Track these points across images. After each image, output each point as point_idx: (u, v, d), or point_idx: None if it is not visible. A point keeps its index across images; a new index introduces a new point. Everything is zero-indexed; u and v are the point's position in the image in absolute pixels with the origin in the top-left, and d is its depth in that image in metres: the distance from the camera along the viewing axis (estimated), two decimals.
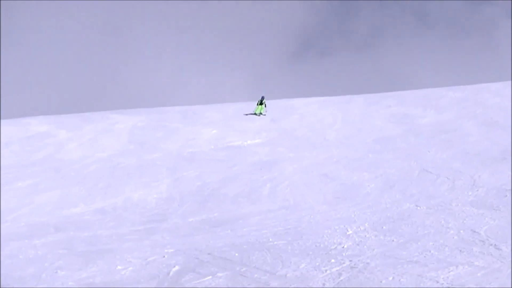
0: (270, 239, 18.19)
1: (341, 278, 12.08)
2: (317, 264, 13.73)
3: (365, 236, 16.74)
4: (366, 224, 18.53)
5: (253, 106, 64.16)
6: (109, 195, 32.34)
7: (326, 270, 12.91)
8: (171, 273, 14.72)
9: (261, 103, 55.64)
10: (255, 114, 54.43)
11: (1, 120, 64.14)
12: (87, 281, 15.40)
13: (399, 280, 11.28)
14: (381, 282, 11.34)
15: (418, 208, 20.35)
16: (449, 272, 11.44)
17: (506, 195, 21.28)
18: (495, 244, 13.98)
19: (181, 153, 44.40)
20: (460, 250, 13.27)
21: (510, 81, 61.91)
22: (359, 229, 17.87)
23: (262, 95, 56.69)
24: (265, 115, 54.60)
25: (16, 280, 16.62)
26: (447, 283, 10.64)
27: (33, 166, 43.80)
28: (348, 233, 17.51)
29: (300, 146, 42.99)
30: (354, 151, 38.35)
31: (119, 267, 16.60)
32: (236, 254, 16.41)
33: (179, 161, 40.96)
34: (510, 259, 12.46)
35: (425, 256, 13.15)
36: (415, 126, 46.27)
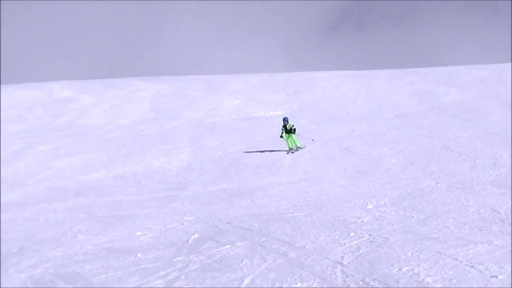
0: (290, 211, 18.21)
1: (360, 252, 12.08)
2: (336, 237, 13.72)
3: (385, 211, 16.71)
4: (386, 199, 18.49)
5: (277, 79, 63.75)
6: (130, 161, 32.49)
7: (345, 244, 12.91)
8: (190, 241, 14.77)
9: (288, 130, 33.19)
10: (289, 150, 32.48)
11: (25, 84, 64.40)
12: (106, 245, 15.48)
13: (418, 256, 11.26)
14: (399, 257, 11.33)
15: (439, 185, 20.27)
16: (468, 250, 11.41)
17: None
18: None
19: (203, 122, 44.47)
20: (480, 229, 13.22)
21: None
22: (379, 204, 17.84)
23: (285, 116, 36.20)
24: (302, 148, 32.82)
25: (36, 242, 16.74)
26: (466, 261, 10.62)
27: (56, 131, 44.05)
28: (368, 207, 17.48)
29: (322, 119, 42.94)
30: (375, 126, 38.23)
31: (138, 233, 16.69)
32: (256, 224, 16.45)
33: (201, 130, 41.04)
34: None
35: (444, 233, 13.12)
36: (438, 103, 46.02)
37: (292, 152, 31.97)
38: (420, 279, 9.79)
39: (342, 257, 11.80)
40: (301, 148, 32.55)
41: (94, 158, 34.04)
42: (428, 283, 9.56)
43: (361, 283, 9.94)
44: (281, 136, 33.14)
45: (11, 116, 50.74)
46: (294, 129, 33.04)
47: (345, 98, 51.96)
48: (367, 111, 45.57)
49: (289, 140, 32.89)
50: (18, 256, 15.18)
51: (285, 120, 33.29)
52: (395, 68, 69.73)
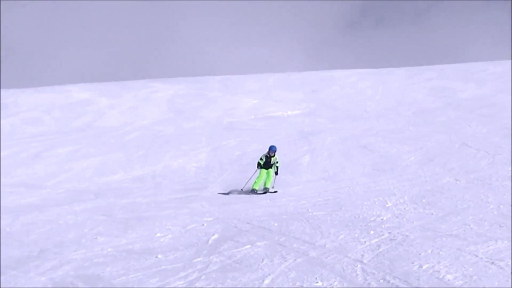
0: (309, 210, 18.22)
1: (380, 250, 12.07)
2: (356, 235, 13.72)
3: (404, 208, 16.70)
4: (405, 197, 18.48)
5: (294, 77, 63.79)
6: (149, 162, 32.57)
7: (365, 242, 12.90)
8: (210, 241, 14.80)
9: (269, 164, 25.39)
10: (252, 190, 24.28)
11: (44, 87, 64.74)
12: (126, 247, 15.53)
13: (438, 253, 11.24)
14: (420, 254, 11.31)
15: (458, 182, 20.24)
16: (488, 246, 11.38)
17: None
18: None
19: (220, 122, 44.54)
20: (500, 225, 13.18)
21: None
22: (398, 202, 17.82)
23: (272, 145, 26.17)
24: (271, 190, 24.25)
25: (56, 244, 16.80)
26: (486, 257, 10.60)
27: (74, 133, 44.23)
28: (387, 205, 17.47)
29: (339, 118, 42.89)
30: (393, 123, 38.15)
31: (158, 234, 16.73)
32: (275, 224, 16.46)
33: (219, 130, 41.10)
34: None
35: (464, 230, 13.09)
36: (455, 99, 45.87)
37: (255, 193, 23.77)
38: (441, 276, 9.78)
39: (362, 255, 11.81)
40: (270, 192, 23.74)
41: (113, 160, 34.13)
42: (448, 280, 9.55)
43: (381, 281, 9.94)
44: (259, 165, 25.05)
45: (30, 119, 50.95)
46: (277, 167, 25.18)
47: (362, 96, 51.88)
48: (385, 108, 45.49)
49: (261, 177, 24.60)
50: (38, 258, 15.25)
51: (273, 150, 25.31)
52: (412, 65, 69.61)
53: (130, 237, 16.95)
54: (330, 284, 10.00)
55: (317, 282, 10.19)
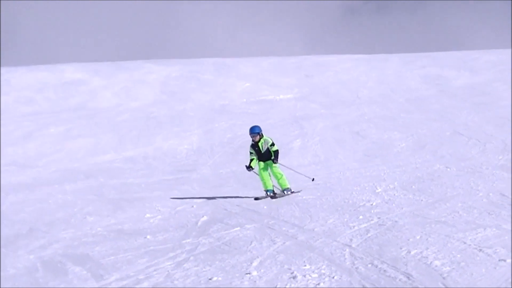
0: (299, 194, 18.25)
1: (369, 234, 12.08)
2: (345, 220, 13.72)
3: (394, 194, 16.71)
4: (395, 183, 18.50)
5: (288, 62, 63.67)
6: (140, 144, 32.59)
7: (354, 226, 12.91)
8: (199, 223, 14.81)
9: (263, 154, 19.14)
10: (267, 194, 18.69)
11: (37, 66, 64.53)
12: (116, 227, 15.56)
13: (427, 239, 11.26)
14: (408, 240, 11.33)
15: (448, 169, 20.26)
16: (477, 233, 11.40)
17: None
18: None
19: (213, 105, 44.52)
20: (489, 213, 13.19)
21: None
22: (388, 188, 17.84)
23: (254, 125, 19.63)
24: (296, 192, 18.73)
25: (46, 224, 16.84)
26: (474, 245, 10.61)
27: (66, 113, 44.18)
28: (377, 191, 17.49)
29: (332, 103, 42.89)
30: (386, 110, 38.18)
31: (148, 215, 16.76)
32: (265, 207, 16.49)
33: (211, 113, 41.09)
34: None
35: (453, 217, 13.10)
36: (449, 87, 45.91)
37: (275, 197, 18.36)
38: (429, 262, 9.80)
39: (351, 240, 11.82)
40: (293, 193, 18.54)
41: (105, 140, 34.14)
42: (436, 266, 9.57)
43: (369, 265, 9.96)
44: (249, 168, 19.01)
45: (22, 98, 50.84)
46: (275, 152, 18.91)
47: (356, 82, 51.86)
48: (378, 95, 45.49)
49: (266, 175, 18.91)
50: (28, 237, 15.28)
51: (254, 131, 18.98)
52: (407, 52, 69.56)
53: (120, 217, 16.99)
54: (318, 268, 10.00)
55: (305, 265, 10.20)
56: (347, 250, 11.09)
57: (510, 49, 59.06)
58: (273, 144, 19.03)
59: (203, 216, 15.83)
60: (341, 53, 70.11)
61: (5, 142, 35.44)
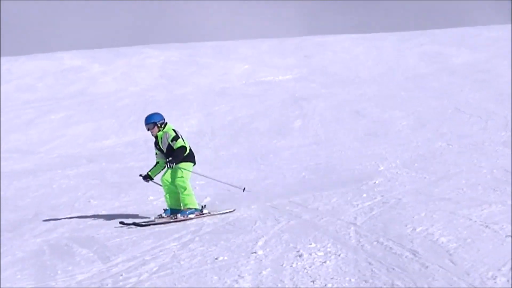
0: (303, 173, 18.28)
1: (373, 212, 12.08)
2: (349, 198, 13.73)
3: (397, 172, 16.71)
4: (397, 161, 18.48)
5: (287, 43, 63.58)
6: (141, 128, 32.34)
7: (357, 205, 12.91)
8: (202, 203, 14.85)
9: (166, 153, 14.14)
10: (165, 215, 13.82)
11: (36, 54, 64.57)
12: (120, 210, 15.65)
13: (431, 216, 11.26)
14: (413, 217, 11.33)
15: (450, 147, 20.25)
16: (482, 210, 11.40)
17: None
18: None
19: (212, 88, 44.45)
20: (493, 189, 13.20)
21: None
22: (390, 166, 17.84)
23: (154, 113, 14.86)
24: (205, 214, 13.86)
25: (50, 208, 16.92)
26: (480, 221, 10.61)
27: (67, 99, 44.19)
28: (379, 169, 17.48)
29: (332, 83, 42.80)
30: (386, 88, 38.11)
31: (151, 198, 16.82)
32: (268, 187, 16.54)
33: (211, 96, 41.04)
34: None
35: (457, 194, 13.10)
36: (449, 65, 45.74)
37: (173, 218, 13.63)
38: (435, 239, 9.82)
39: (355, 218, 11.85)
40: (201, 215, 13.71)
41: (106, 125, 34.14)
42: (442, 242, 9.58)
43: (375, 243, 9.98)
44: (146, 177, 14.47)
45: (23, 86, 50.81)
46: (177, 151, 13.97)
47: (355, 61, 51.70)
48: (378, 74, 45.35)
49: (169, 189, 14.16)
50: (33, 221, 15.37)
51: (150, 120, 14.38)
52: (405, 30, 69.33)
53: (123, 200, 17.08)
54: (324, 246, 10.02)
55: (311, 244, 10.22)
56: (352, 228, 11.12)
57: (510, 25, 58.77)
58: (175, 139, 14.04)
59: (206, 197, 15.89)
60: (340, 33, 69.91)
61: (8, 129, 35.49)
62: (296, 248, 10.08)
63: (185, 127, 31.53)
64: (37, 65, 57.72)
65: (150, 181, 14.54)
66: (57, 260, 11.28)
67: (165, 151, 14.11)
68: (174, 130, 14.22)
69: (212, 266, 9.58)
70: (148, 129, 14.33)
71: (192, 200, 13.92)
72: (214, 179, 16.07)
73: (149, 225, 13.33)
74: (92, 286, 9.37)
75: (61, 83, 51.60)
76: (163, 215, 13.83)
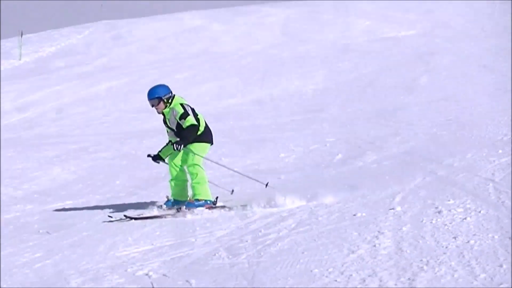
0: (434, 129, 18.06)
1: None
2: (484, 154, 13.46)
3: None
4: None
5: None
6: (266, 86, 32.73)
7: (494, 161, 12.65)
8: (335, 161, 14.89)
9: (176, 130, 12.00)
10: (169, 204, 12.01)
11: (154, 16, 65.66)
12: (252, 167, 15.77)
13: None
14: None
15: None
16: None
17: None
18: None
19: (335, 44, 44.22)
20: None
21: None
22: None
23: (160, 85, 12.64)
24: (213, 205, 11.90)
25: None
26: None
27: (190, 59, 44.78)
28: None
29: (457, 37, 41.91)
30: None
31: (282, 155, 16.94)
32: (399, 144, 16.43)
33: (334, 53, 40.83)
34: None
35: None
36: None
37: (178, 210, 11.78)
38: None
39: (493, 174, 11.64)
40: (212, 208, 11.78)
41: (230, 84, 34.44)
42: None
43: None
44: (156, 157, 12.73)
45: (145, 47, 51.78)
46: (186, 130, 11.81)
47: (480, 14, 50.41)
48: (505, 26, 44.03)
49: (177, 175, 12.31)
50: (166, 179, 15.66)
51: (153, 95, 12.22)
52: None
53: (255, 157, 17.24)
54: (463, 202, 9.89)
55: (449, 200, 10.10)
56: (491, 184, 10.93)
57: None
58: (184, 116, 11.81)
59: (337, 154, 15.89)
60: None
61: (133, 90, 36.19)
62: (434, 204, 9.98)
63: (310, 84, 31.56)
64: (156, 26, 58.73)
65: (160, 163, 12.74)
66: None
67: (175, 130, 12.00)
68: (182, 105, 11.91)
69: (351, 222, 9.59)
70: (153, 105, 12.10)
71: (204, 189, 12.00)
72: (231, 169, 13.85)
73: (141, 218, 11.48)
74: (232, 242, 9.52)
75: (183, 43, 52.36)
76: (164, 206, 11.96)
